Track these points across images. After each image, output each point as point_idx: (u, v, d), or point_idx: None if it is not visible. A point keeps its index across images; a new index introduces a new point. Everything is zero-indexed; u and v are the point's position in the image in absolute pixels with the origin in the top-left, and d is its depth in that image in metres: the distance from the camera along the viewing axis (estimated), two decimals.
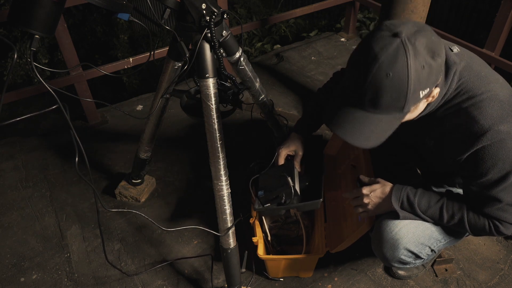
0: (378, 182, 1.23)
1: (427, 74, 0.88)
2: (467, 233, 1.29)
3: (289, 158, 1.52)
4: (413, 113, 1.01)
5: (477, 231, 1.13)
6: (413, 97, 0.90)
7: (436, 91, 0.97)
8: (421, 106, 1.01)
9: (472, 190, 1.08)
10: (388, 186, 1.21)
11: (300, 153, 1.53)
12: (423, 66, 0.87)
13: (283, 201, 1.29)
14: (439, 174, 1.40)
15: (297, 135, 1.55)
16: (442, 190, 1.34)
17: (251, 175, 1.47)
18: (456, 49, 1.07)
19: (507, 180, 1.01)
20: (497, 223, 1.08)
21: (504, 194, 1.03)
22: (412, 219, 1.19)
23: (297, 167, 1.47)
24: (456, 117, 1.04)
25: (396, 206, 1.17)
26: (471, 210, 1.11)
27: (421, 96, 0.92)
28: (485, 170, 1.01)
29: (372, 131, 0.94)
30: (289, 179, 1.32)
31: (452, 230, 1.24)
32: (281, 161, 1.49)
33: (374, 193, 1.21)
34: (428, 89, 0.92)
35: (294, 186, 1.31)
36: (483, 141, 0.98)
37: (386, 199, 1.19)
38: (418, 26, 0.90)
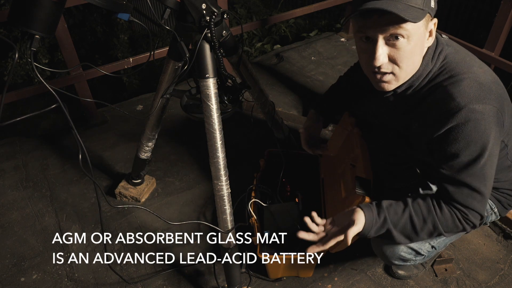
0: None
1: None
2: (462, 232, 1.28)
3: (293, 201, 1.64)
4: (418, 35, 0.98)
5: (450, 228, 1.09)
6: None
7: (435, 21, 1.01)
8: (426, 39, 1.02)
9: (442, 174, 1.07)
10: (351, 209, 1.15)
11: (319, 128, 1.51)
12: None
13: (286, 245, 1.47)
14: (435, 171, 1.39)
15: (317, 113, 1.51)
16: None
17: (249, 198, 1.62)
18: (445, 36, 1.13)
19: (476, 164, 1.01)
20: (465, 211, 1.06)
21: (472, 180, 1.03)
22: (383, 238, 1.13)
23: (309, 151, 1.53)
24: (435, 95, 1.05)
25: (368, 213, 1.11)
26: (438, 207, 1.08)
27: (432, 3, 0.96)
28: (457, 151, 1.02)
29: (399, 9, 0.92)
30: (301, 233, 1.42)
31: None
32: (305, 145, 1.51)
33: (337, 216, 1.16)
34: (433, 3, 0.96)
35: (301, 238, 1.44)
36: (457, 119, 0.99)
37: (349, 212, 1.13)
38: None
